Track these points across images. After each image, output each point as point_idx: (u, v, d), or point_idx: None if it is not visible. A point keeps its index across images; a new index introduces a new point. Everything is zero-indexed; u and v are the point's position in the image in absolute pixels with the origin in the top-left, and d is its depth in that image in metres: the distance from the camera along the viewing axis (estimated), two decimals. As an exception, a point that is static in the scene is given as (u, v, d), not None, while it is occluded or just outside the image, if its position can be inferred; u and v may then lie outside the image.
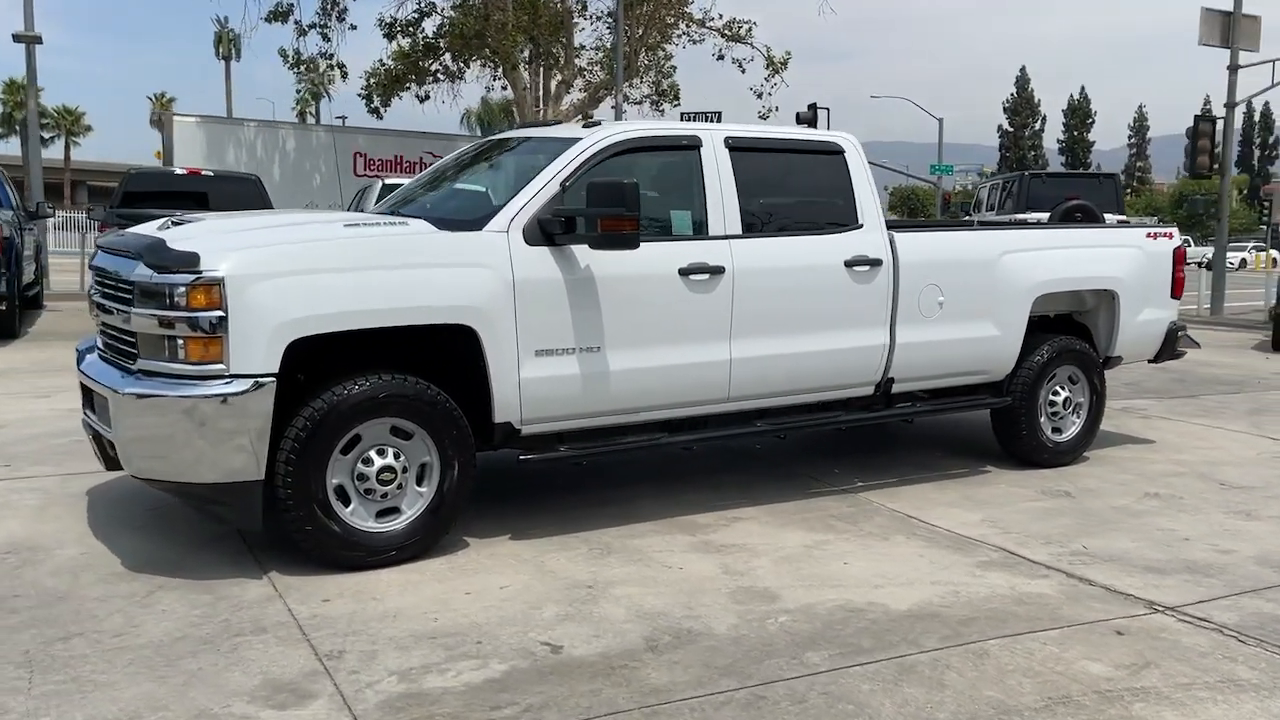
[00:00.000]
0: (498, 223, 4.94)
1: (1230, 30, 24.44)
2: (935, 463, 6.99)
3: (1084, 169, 68.04)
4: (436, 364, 4.84)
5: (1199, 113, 25.22)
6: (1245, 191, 74.09)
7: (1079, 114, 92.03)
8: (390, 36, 24.56)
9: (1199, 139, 24.42)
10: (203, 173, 15.43)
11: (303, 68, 23.59)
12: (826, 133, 6.22)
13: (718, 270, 5.37)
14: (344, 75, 24.22)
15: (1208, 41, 24.28)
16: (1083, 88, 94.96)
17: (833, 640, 4.01)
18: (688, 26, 24.15)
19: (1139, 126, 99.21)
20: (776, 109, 24.61)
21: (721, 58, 24.66)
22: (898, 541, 5.27)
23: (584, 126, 5.52)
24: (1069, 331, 7.15)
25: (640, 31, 23.50)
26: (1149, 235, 7.32)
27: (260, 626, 4.02)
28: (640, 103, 24.77)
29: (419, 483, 4.77)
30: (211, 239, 4.54)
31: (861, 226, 6.00)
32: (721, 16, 24.36)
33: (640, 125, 5.47)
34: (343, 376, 4.55)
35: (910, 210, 74.10)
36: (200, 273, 4.27)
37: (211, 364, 4.31)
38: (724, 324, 5.46)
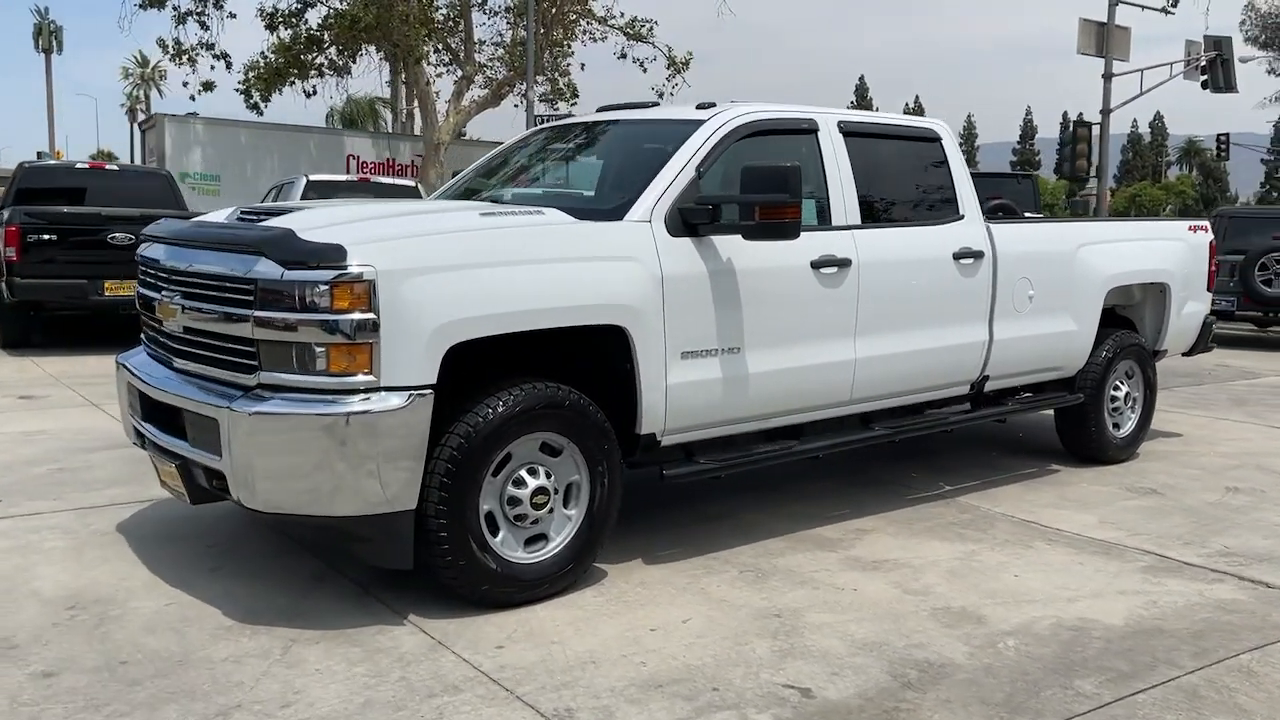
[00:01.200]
0: (638, 211, 4.41)
1: (1105, 40, 25.55)
2: (998, 462, 6.77)
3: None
4: (575, 370, 4.28)
5: (1076, 118, 26.33)
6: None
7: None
8: (271, 28, 23.22)
9: (1077, 143, 25.53)
10: (107, 167, 14.08)
11: (183, 58, 21.99)
12: (923, 119, 5.90)
13: (845, 263, 4.97)
14: (228, 66, 22.72)
15: (1085, 50, 25.35)
16: (917, 97, 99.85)
17: (1083, 665, 3.66)
18: (590, 24, 23.68)
19: (969, 134, 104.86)
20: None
21: (624, 56, 24.29)
22: (1043, 549, 4.98)
23: (698, 108, 5.03)
24: (1116, 325, 7.05)
25: (543, 29, 22.87)
26: (1190, 229, 7.30)
27: (449, 684, 3.40)
28: (541, 101, 24.12)
29: (565, 505, 4.20)
30: (347, 229, 3.87)
31: (963, 218, 5.71)
32: (623, 15, 24.00)
33: (759, 107, 5.01)
34: (481, 386, 3.95)
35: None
36: (345, 268, 3.61)
37: (358, 375, 3.65)
38: (850, 320, 5.07)
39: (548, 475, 4.11)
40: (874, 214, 5.30)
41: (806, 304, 4.88)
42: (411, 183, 16.16)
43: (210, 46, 22.37)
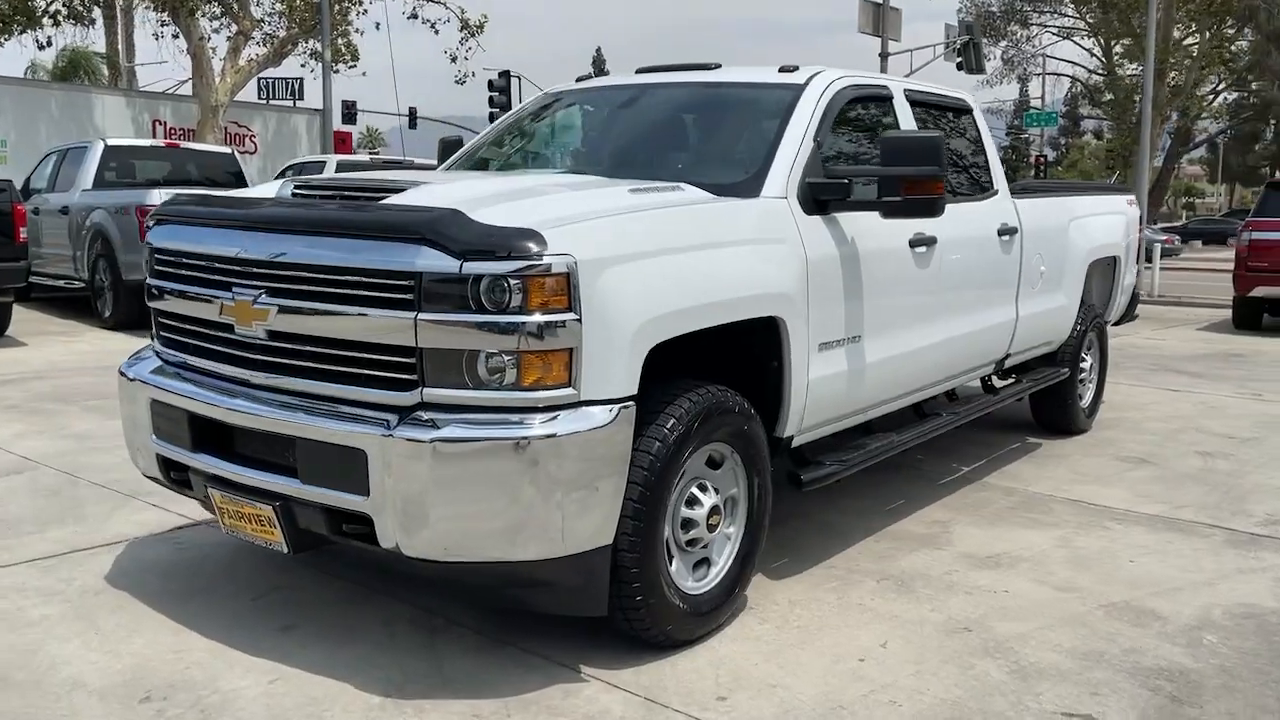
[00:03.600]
0: (774, 186, 3.92)
1: (881, 20, 26.68)
2: (977, 438, 6.70)
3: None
4: (717, 370, 3.75)
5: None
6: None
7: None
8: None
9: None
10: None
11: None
12: (955, 90, 5.67)
13: (931, 241, 4.67)
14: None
15: (864, 29, 26.40)
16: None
17: (1300, 656, 3.56)
18: (378, -21, 22.17)
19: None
20: (474, 74, 23.38)
21: (414, 17, 22.96)
22: (1119, 530, 4.91)
23: (780, 71, 4.55)
24: (1071, 298, 7.17)
25: (327, -18, 21.20)
26: (1128, 202, 7.54)
27: (716, 755, 2.84)
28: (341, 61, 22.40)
29: (726, 523, 3.68)
30: (519, 208, 3.15)
31: (997, 193, 5.55)
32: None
33: (842, 72, 4.59)
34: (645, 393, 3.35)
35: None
36: (539, 257, 2.92)
37: (555, 388, 2.97)
38: (936, 301, 4.79)
39: (716, 491, 3.57)
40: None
41: (908, 286, 4.55)
42: (227, 150, 14.43)
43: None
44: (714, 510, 3.52)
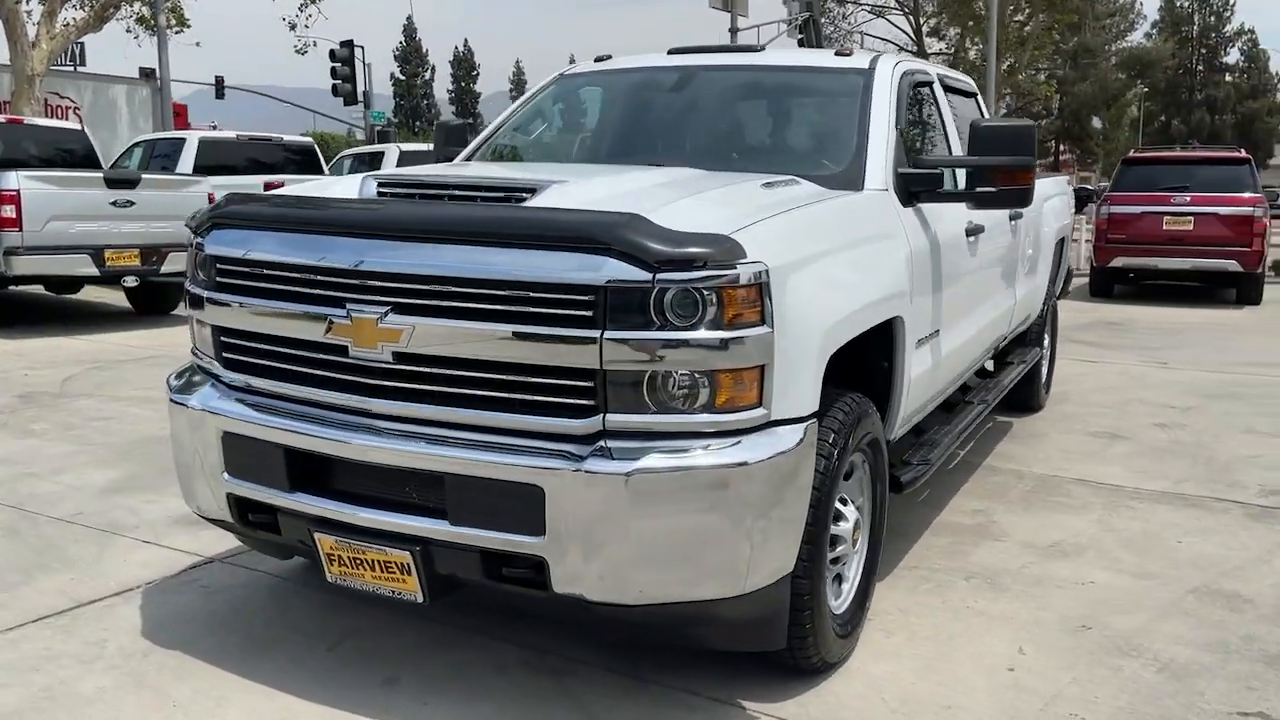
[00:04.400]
0: (875, 178, 3.75)
1: (731, -4, 26.78)
2: (951, 418, 6.80)
3: (474, 118, 71.07)
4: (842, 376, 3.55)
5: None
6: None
7: (464, 65, 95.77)
8: None
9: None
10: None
11: None
12: (962, 75, 5.60)
13: (980, 230, 4.61)
14: None
15: (714, 5, 26.49)
16: (465, 40, 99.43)
17: (1395, 630, 3.69)
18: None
19: (518, 80, 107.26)
20: (315, 44, 22.11)
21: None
22: (1141, 509, 5.01)
23: (837, 55, 4.36)
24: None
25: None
26: (1069, 181, 7.74)
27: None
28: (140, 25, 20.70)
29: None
30: (693, 209, 2.85)
31: (1001, 176, 5.54)
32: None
33: (897, 57, 4.44)
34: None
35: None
36: (734, 266, 2.64)
37: (747, 409, 2.71)
38: (979, 289, 4.74)
39: (855, 505, 3.39)
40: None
41: (966, 275, 4.47)
42: (76, 126, 13.11)
43: None
44: (857, 525, 3.34)
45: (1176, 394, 7.67)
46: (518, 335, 2.69)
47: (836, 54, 4.36)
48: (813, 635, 3.06)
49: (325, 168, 14.70)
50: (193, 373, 3.39)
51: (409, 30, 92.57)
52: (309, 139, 14.98)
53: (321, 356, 2.96)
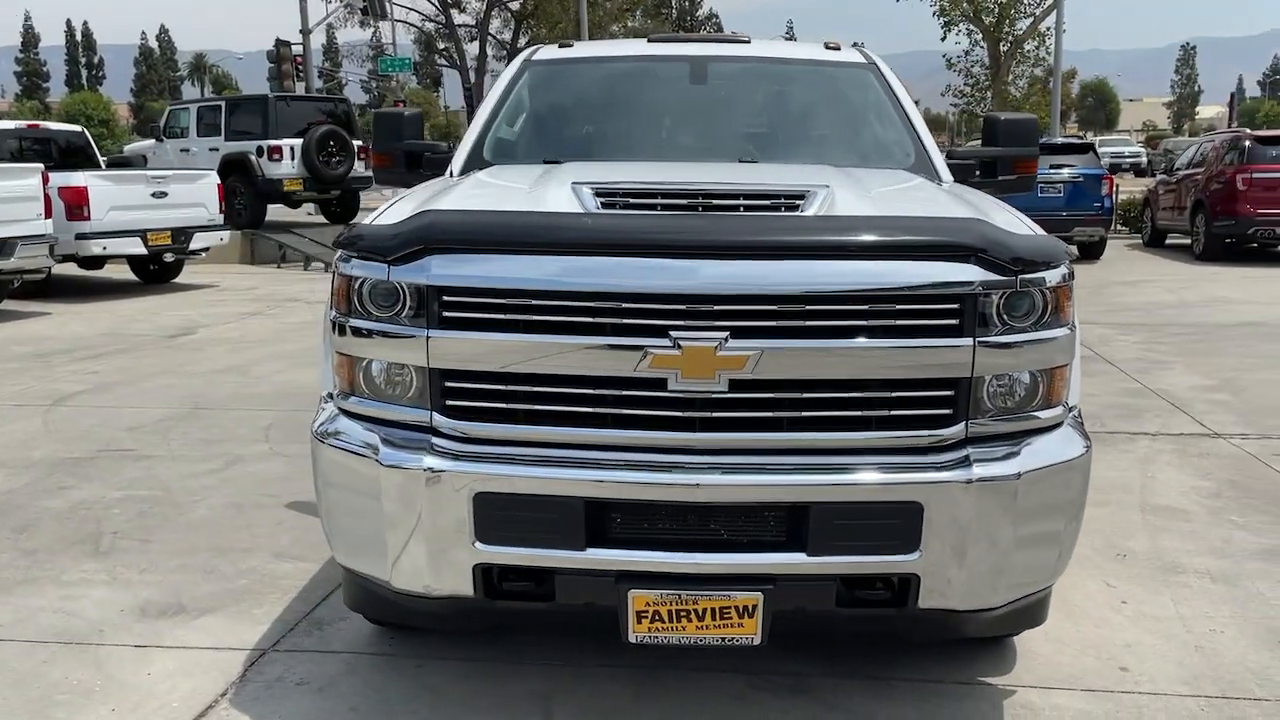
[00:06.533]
0: (943, 168, 3.96)
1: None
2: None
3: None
4: None
5: (279, 37, 25.60)
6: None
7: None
8: None
9: (281, 62, 25.04)
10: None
11: None
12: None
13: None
14: None
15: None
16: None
17: None
18: None
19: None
20: None
21: None
22: (1161, 467, 5.44)
23: (827, 47, 4.47)
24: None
25: None
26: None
27: None
28: None
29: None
30: (986, 210, 2.90)
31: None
32: None
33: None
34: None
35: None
36: (1063, 263, 2.75)
37: (1062, 403, 2.83)
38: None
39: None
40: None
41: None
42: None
43: None
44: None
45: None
46: (879, 349, 2.58)
47: (826, 46, 4.48)
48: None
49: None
50: (368, 426, 2.78)
51: None
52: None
53: (629, 394, 2.60)
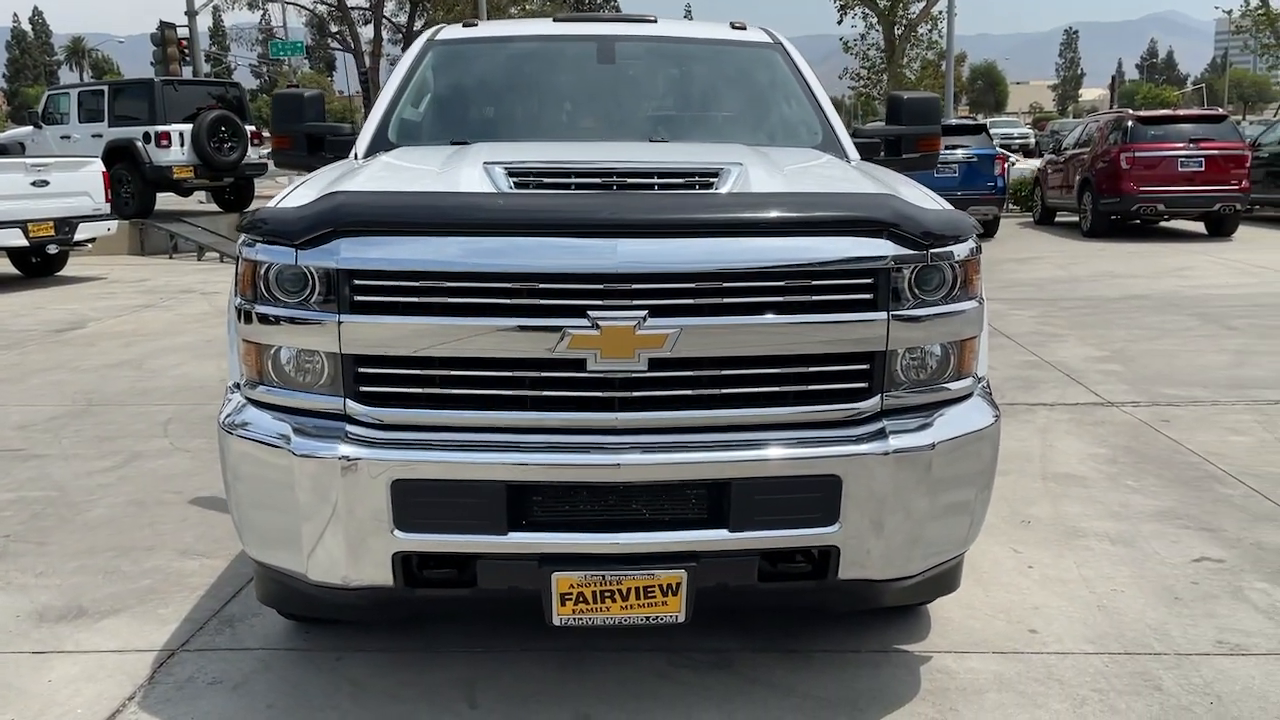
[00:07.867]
0: (850, 146, 4.00)
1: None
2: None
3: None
4: None
5: (163, 19, 24.58)
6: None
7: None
8: None
9: (167, 45, 24.18)
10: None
11: None
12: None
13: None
14: None
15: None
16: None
17: None
18: None
19: None
20: None
21: None
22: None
23: (733, 27, 4.48)
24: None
25: None
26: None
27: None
28: None
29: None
30: (894, 186, 2.94)
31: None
32: None
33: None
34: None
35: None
36: (972, 237, 2.82)
37: (971, 374, 2.90)
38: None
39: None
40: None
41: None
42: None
43: None
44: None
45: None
46: (797, 324, 2.61)
47: (733, 26, 4.49)
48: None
49: None
50: (278, 416, 2.70)
51: None
52: None
53: (548, 375, 2.57)
